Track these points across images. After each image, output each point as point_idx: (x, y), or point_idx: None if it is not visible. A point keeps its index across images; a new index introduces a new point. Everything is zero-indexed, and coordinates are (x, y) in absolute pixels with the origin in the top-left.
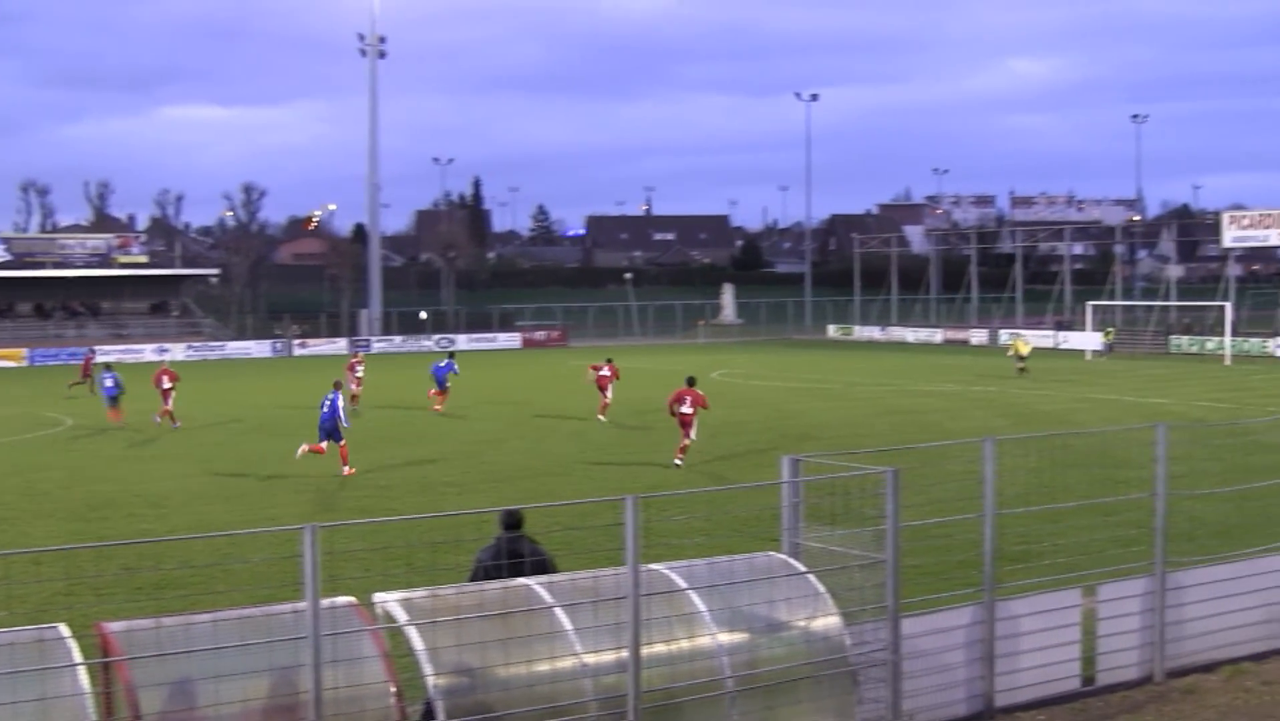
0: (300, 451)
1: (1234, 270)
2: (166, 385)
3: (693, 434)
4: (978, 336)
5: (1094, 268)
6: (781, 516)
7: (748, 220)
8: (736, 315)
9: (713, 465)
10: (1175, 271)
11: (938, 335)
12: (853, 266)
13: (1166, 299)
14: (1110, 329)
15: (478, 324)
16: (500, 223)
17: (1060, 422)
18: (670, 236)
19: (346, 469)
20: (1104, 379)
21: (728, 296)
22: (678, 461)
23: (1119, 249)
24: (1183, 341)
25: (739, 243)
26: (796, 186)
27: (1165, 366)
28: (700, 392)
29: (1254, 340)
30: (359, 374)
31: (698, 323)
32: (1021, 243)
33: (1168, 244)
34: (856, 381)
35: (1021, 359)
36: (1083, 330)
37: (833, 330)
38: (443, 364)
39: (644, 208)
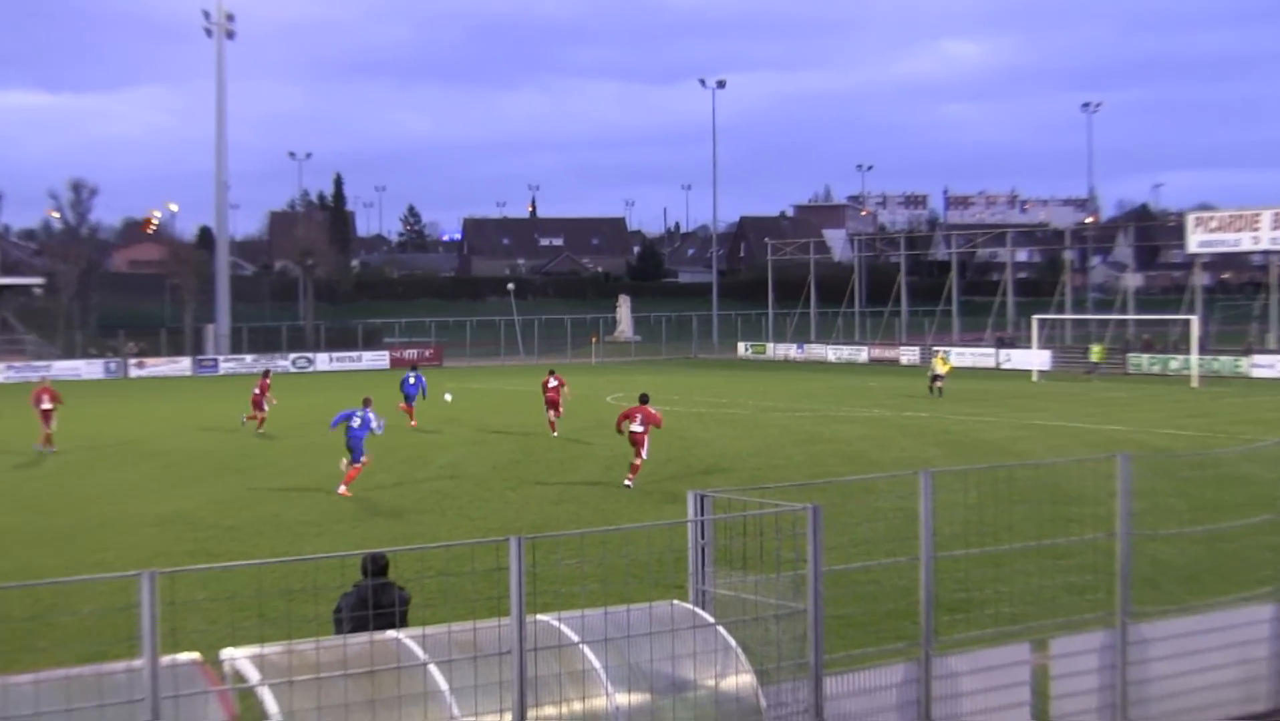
0: (342, 468)
1: (1201, 279)
2: (46, 405)
3: (644, 453)
4: (908, 355)
5: (1041, 277)
6: (688, 560)
7: (647, 223)
8: (634, 331)
9: (608, 502)
10: (1133, 280)
11: (863, 354)
12: (766, 276)
13: (1124, 312)
14: (1098, 345)
15: (340, 341)
16: (365, 226)
17: (1003, 453)
18: (558, 242)
19: (343, 488)
20: (1052, 403)
21: (624, 310)
22: (628, 482)
23: (1069, 255)
24: (1143, 360)
25: (637, 249)
26: (701, 185)
27: (1124, 388)
28: (654, 410)
29: (1224, 358)
30: (269, 397)
31: (590, 339)
32: (958, 248)
33: (1125, 249)
34: (771, 406)
35: (938, 377)
36: (1028, 347)
37: (743, 348)
38: (411, 380)
39: (529, 209)
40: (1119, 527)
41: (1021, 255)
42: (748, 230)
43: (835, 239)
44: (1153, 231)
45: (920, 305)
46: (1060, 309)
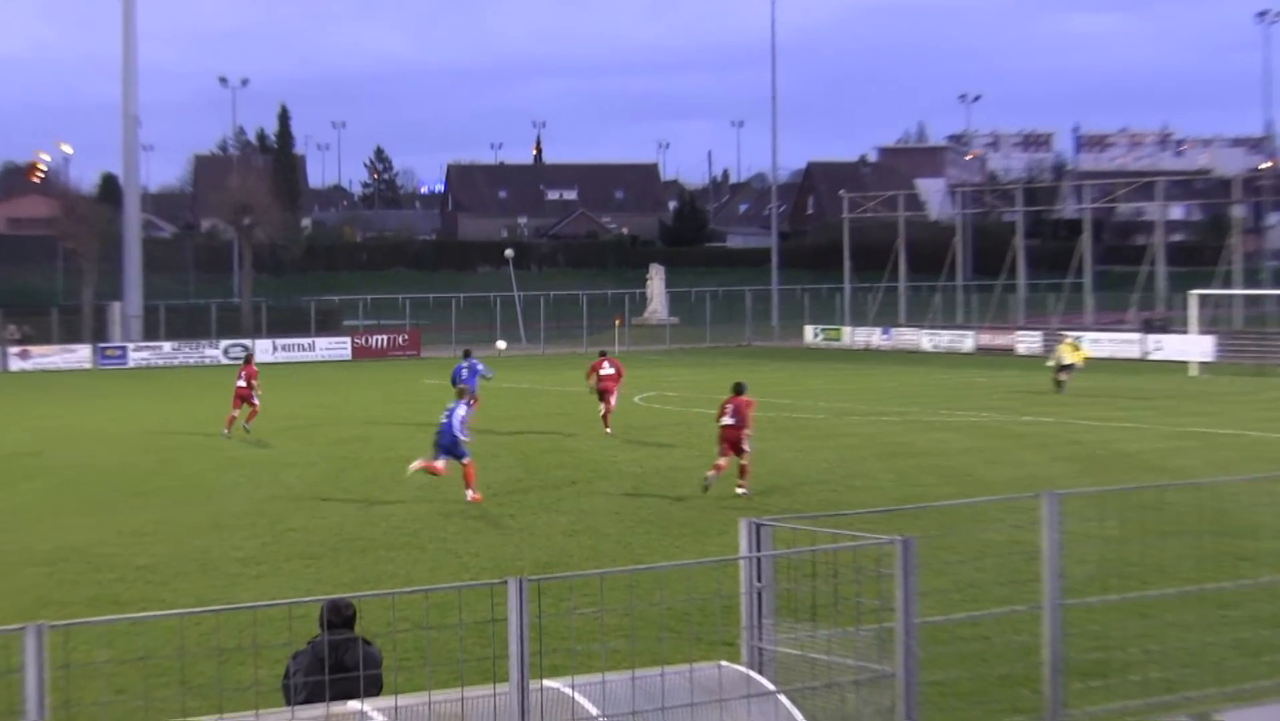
0: (412, 468)
1: None
2: None
3: (747, 447)
4: (1026, 342)
5: (1202, 240)
6: (740, 609)
7: (686, 172)
8: (670, 311)
9: (636, 533)
10: None
11: (967, 340)
12: (841, 240)
13: None
14: None
15: (287, 324)
16: (320, 175)
17: (1152, 470)
18: (571, 195)
19: (472, 494)
20: (1216, 405)
21: (657, 283)
22: (741, 490)
23: (1239, 211)
24: None
25: (673, 205)
26: (757, 123)
27: None
28: (749, 400)
29: None
30: (256, 389)
31: (613, 323)
32: (1093, 202)
33: None
34: (847, 408)
35: (1066, 368)
36: (1184, 331)
37: (812, 333)
38: (464, 367)
39: (533, 153)
40: None
41: (1176, 212)
42: (817, 180)
43: (932, 191)
44: None
45: (1042, 277)
46: (1227, 282)
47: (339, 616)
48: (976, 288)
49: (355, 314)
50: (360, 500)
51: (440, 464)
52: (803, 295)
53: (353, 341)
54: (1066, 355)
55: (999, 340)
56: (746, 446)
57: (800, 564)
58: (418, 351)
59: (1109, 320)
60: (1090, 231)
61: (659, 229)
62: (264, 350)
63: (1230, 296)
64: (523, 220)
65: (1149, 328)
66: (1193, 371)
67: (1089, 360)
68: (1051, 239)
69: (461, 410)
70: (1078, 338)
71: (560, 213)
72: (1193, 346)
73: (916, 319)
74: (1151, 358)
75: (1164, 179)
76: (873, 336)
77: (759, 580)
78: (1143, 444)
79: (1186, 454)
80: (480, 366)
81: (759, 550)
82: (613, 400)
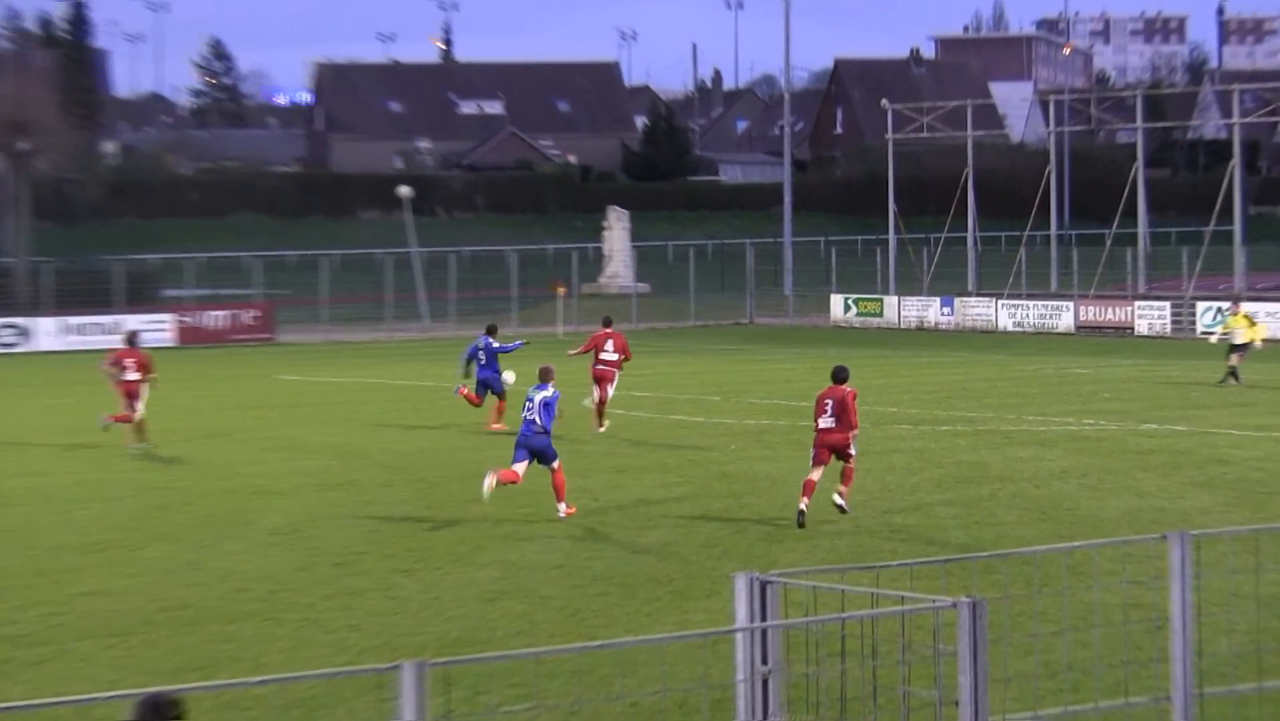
0: (488, 487)
1: None
2: None
3: (853, 451)
4: (1150, 316)
5: None
6: (737, 702)
7: (661, 74)
8: (637, 275)
9: (586, 595)
10: None
11: (1064, 314)
12: (883, 172)
13: None
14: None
15: (80, 295)
16: (130, 79)
17: None
18: (494, 108)
19: (565, 507)
20: None
21: (619, 235)
22: (838, 500)
23: None
24: None
25: (642, 122)
26: (762, 3)
27: None
28: (852, 390)
29: None
30: (134, 379)
31: (555, 289)
32: (1246, 116)
33: None
34: (892, 412)
35: (1238, 348)
36: None
37: (841, 305)
38: (481, 348)
39: (438, 47)
40: None
41: None
42: (850, 86)
43: (1014, 101)
44: None
45: (1173, 223)
46: None
47: (161, 715)
48: (1078, 239)
49: (180, 280)
50: (188, 550)
51: (520, 468)
52: (828, 251)
53: (177, 320)
54: (1241, 330)
55: (1110, 314)
56: (853, 450)
57: (824, 637)
58: (271, 334)
59: (1270, 285)
60: (1242, 157)
61: (622, 157)
62: (47, 332)
63: None
64: (424, 145)
65: None
66: None
67: (1264, 336)
68: (1186, 169)
69: (548, 393)
70: (1245, 311)
71: (479, 134)
72: None
73: (992, 285)
74: None
75: None
76: (929, 310)
77: (764, 661)
78: None
79: None
80: (506, 345)
81: (764, 618)
82: (610, 389)
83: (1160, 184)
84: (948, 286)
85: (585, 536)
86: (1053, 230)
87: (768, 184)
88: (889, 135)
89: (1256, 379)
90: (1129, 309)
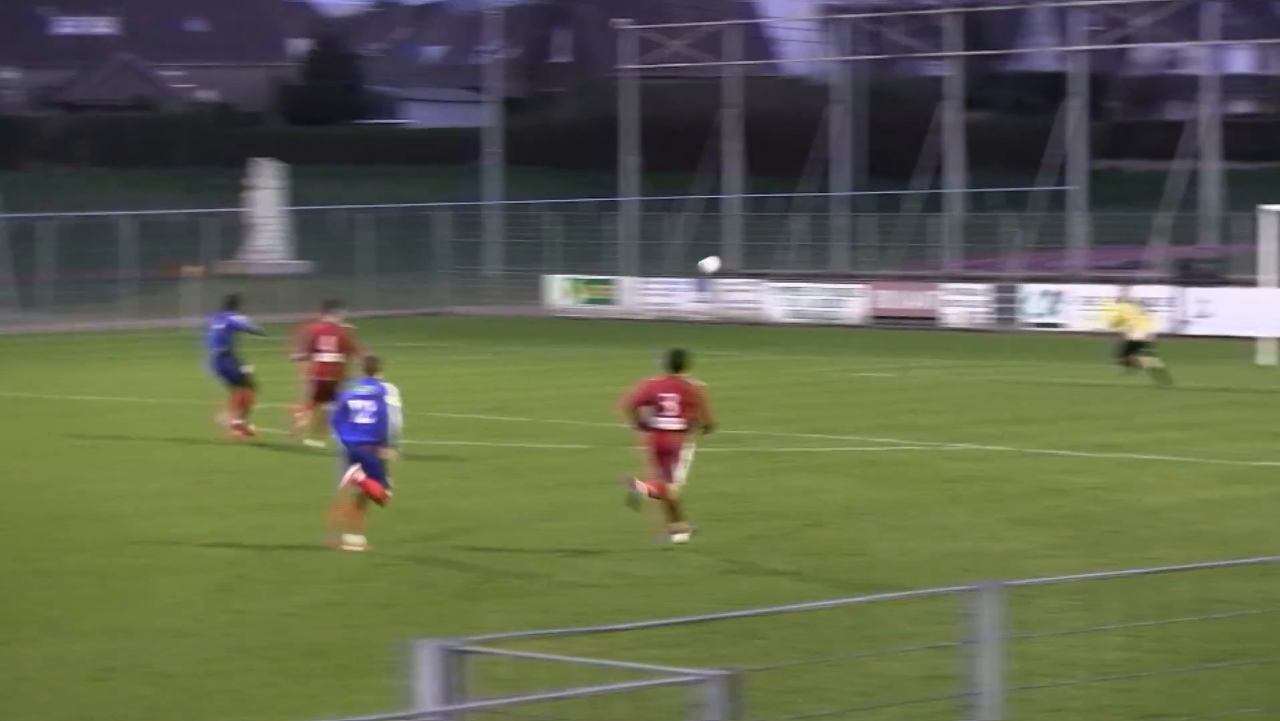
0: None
1: None
2: None
3: (679, 472)
4: (963, 301)
5: None
6: None
7: None
8: (296, 250)
9: (218, 669)
10: None
11: (852, 301)
12: (616, 114)
13: None
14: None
15: None
16: None
17: (1190, 539)
18: (102, 28)
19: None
20: None
21: (268, 197)
22: (678, 535)
23: None
24: None
25: (298, 47)
26: None
27: None
28: (695, 385)
29: None
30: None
31: (177, 271)
32: (1089, 43)
33: None
34: (617, 427)
35: (1135, 346)
36: (1251, 281)
37: (562, 291)
38: (219, 323)
39: None
40: None
41: (1239, 61)
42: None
43: (788, 21)
44: None
45: (996, 181)
46: None
47: None
48: (873, 203)
49: None
50: None
51: (360, 475)
52: (550, 219)
53: None
54: (1136, 324)
55: (913, 301)
56: (679, 470)
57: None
58: None
59: (1115, 262)
60: (1084, 97)
61: (274, 94)
62: None
63: None
64: (5, 75)
65: (1188, 276)
66: (1267, 357)
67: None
68: (1014, 111)
69: (392, 398)
70: (1134, 297)
71: (81, 61)
72: (1266, 311)
73: (760, 262)
74: (1192, 331)
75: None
76: (677, 295)
77: None
78: (1173, 494)
79: (1253, 508)
80: (243, 320)
81: (456, 699)
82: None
83: (978, 130)
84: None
85: (221, 592)
86: (838, 191)
87: (468, 129)
88: (619, 66)
89: (1100, 381)
90: (938, 294)
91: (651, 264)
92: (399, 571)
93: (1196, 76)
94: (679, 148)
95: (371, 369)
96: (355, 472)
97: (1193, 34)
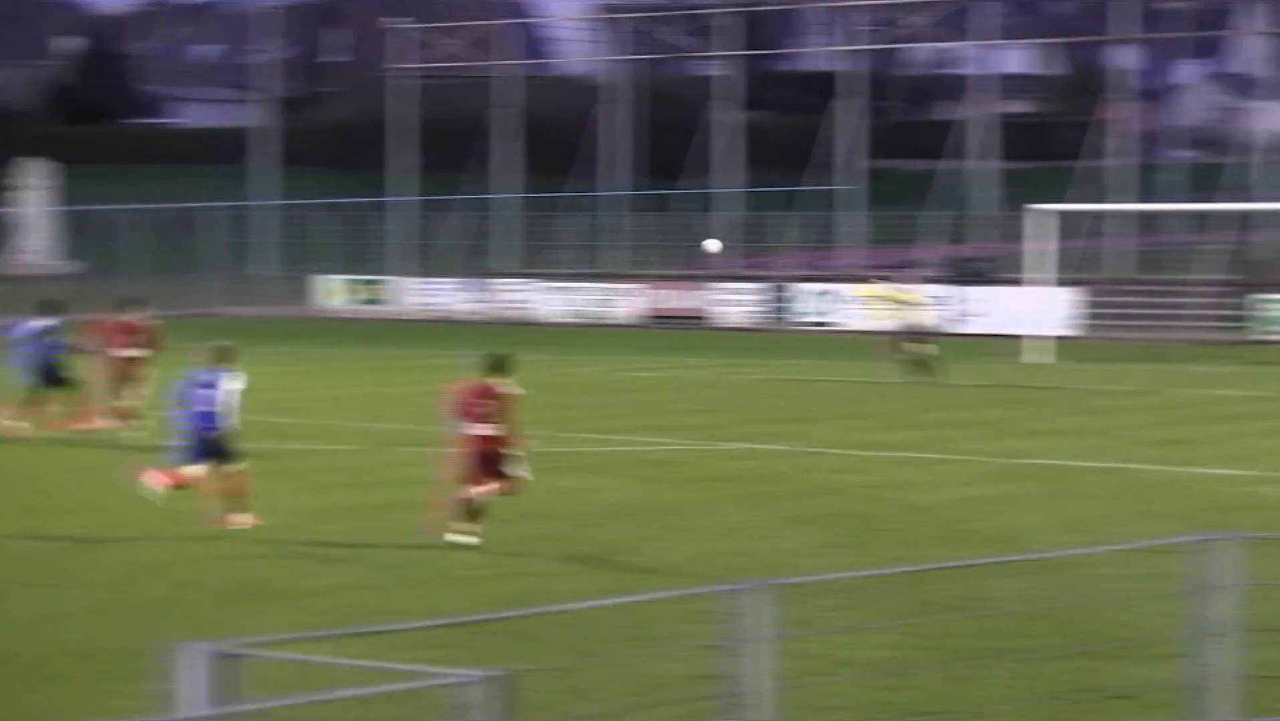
0: (153, 483)
1: None
2: None
3: (513, 471)
4: (737, 300)
5: (1058, 111)
6: None
7: None
8: (67, 251)
9: None
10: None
11: (628, 298)
12: (392, 113)
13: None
14: None
15: None
16: None
17: (959, 537)
18: None
19: (240, 519)
20: (1080, 413)
21: (36, 196)
22: (463, 536)
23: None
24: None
25: (64, 46)
26: None
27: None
28: (509, 391)
29: None
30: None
31: None
32: (867, 43)
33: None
34: (385, 427)
35: (919, 335)
36: (1017, 280)
37: (330, 290)
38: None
39: None
40: None
41: (1013, 61)
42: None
43: (564, 21)
44: None
45: (773, 181)
46: (1095, 189)
47: None
48: (648, 203)
49: None
50: None
51: (197, 470)
52: (318, 219)
53: None
54: (907, 309)
55: (688, 300)
56: (513, 470)
57: None
58: None
59: (894, 261)
60: (860, 97)
61: (44, 93)
62: None
63: (1103, 215)
64: None
65: (960, 275)
66: (1032, 355)
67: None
68: (791, 111)
69: (229, 383)
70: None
71: None
72: (1036, 309)
73: (535, 262)
74: (966, 330)
75: None
76: (450, 294)
77: None
78: (945, 491)
79: (1023, 505)
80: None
81: (223, 702)
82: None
83: (755, 130)
84: (476, 264)
85: None
86: (613, 191)
87: (240, 129)
88: (395, 65)
89: (872, 380)
90: (712, 293)
91: (432, 262)
92: (169, 574)
93: (971, 76)
94: (456, 148)
95: (217, 359)
96: (192, 469)
97: (968, 34)
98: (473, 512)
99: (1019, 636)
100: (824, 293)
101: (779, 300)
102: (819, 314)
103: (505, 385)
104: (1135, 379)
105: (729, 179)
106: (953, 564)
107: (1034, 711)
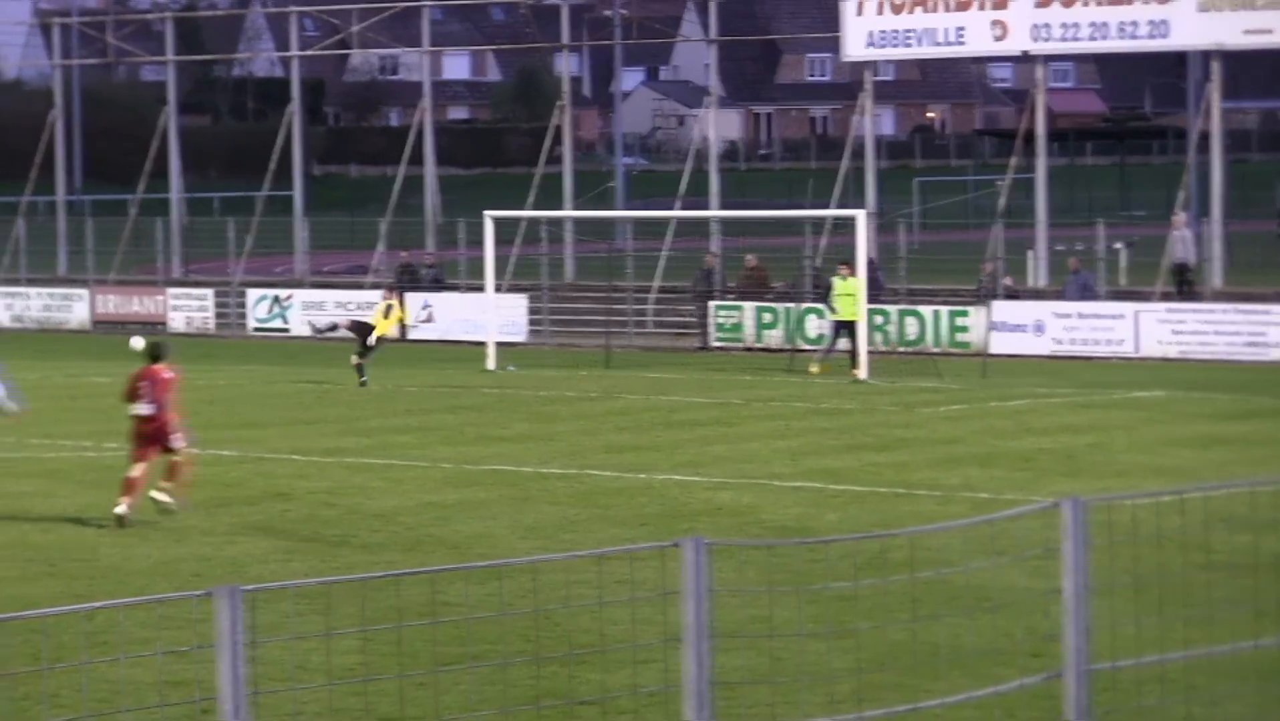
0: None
1: None
2: None
3: (178, 444)
4: (186, 305)
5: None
6: None
7: None
8: None
9: None
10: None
11: (77, 304)
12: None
13: None
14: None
15: None
16: None
17: (434, 547)
18: None
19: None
20: (531, 419)
21: None
22: (121, 509)
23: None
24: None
25: None
26: None
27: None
28: (168, 374)
29: None
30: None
31: None
32: (304, 49)
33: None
34: None
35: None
36: (456, 286)
37: None
38: None
39: None
40: None
41: (453, 70)
42: None
43: (7, 24)
44: None
45: (218, 186)
46: (545, 197)
47: None
48: (95, 208)
49: None
50: None
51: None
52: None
53: None
54: (383, 321)
55: (138, 305)
56: (178, 443)
57: None
58: None
59: (339, 266)
60: (303, 102)
61: None
62: None
63: (560, 222)
64: None
65: (411, 281)
66: (489, 362)
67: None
68: (233, 116)
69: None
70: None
71: None
72: (490, 316)
73: None
74: (420, 336)
75: None
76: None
77: None
78: (403, 497)
79: (482, 511)
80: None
81: None
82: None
83: (200, 135)
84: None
85: None
86: (60, 196)
87: None
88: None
89: (326, 385)
90: (161, 298)
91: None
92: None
93: (414, 83)
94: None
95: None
96: None
97: (411, 40)
98: (130, 482)
99: (482, 643)
100: (275, 298)
101: (228, 306)
102: (270, 319)
103: (163, 369)
104: (593, 385)
105: (181, 184)
106: (415, 571)
107: (499, 718)
